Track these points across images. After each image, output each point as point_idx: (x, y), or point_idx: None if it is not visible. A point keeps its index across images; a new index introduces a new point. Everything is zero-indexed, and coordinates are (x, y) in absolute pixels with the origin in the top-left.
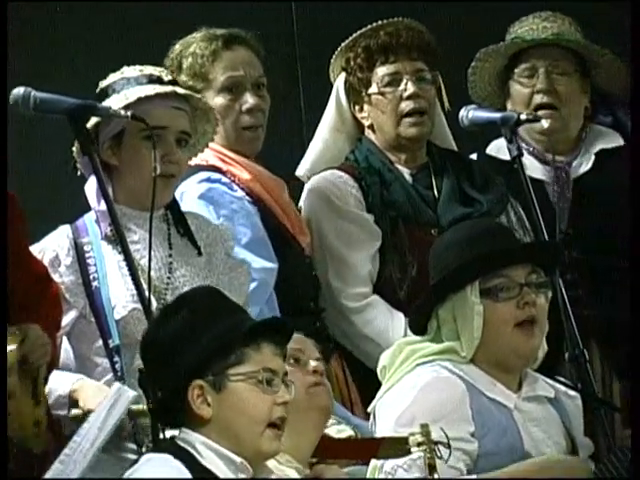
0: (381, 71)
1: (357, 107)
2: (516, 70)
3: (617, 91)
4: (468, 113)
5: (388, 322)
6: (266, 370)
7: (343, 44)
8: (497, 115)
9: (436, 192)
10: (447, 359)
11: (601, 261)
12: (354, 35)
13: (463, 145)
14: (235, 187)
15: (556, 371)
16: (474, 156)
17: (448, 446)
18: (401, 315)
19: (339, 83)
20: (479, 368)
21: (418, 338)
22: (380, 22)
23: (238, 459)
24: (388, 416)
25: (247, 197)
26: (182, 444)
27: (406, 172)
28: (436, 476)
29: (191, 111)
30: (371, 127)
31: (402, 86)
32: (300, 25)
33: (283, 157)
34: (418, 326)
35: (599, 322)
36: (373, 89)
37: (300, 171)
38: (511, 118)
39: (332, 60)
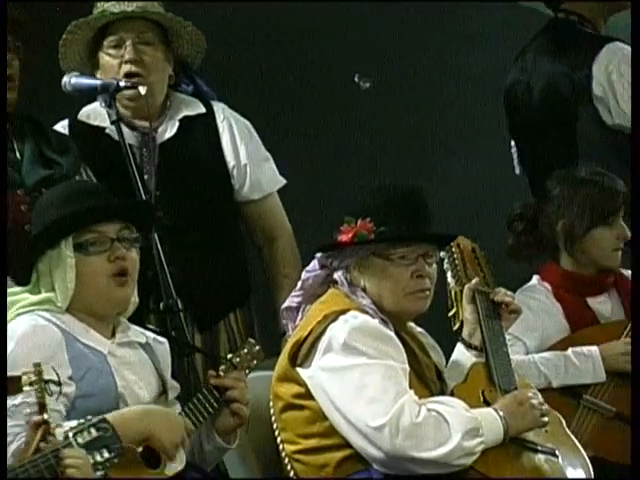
0: None
1: None
2: (105, 42)
3: (197, 61)
4: (70, 79)
5: None
6: None
7: None
8: (97, 82)
9: (18, 155)
10: (45, 309)
11: (182, 222)
12: None
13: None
14: None
15: (148, 320)
16: (65, 122)
17: (59, 384)
18: None
19: None
20: (74, 317)
21: (17, 289)
22: None
23: None
24: None
25: None
26: None
27: None
28: (46, 416)
29: None
30: None
31: None
32: None
33: None
34: (22, 278)
35: (180, 278)
36: None
37: None
38: (110, 85)
39: None
